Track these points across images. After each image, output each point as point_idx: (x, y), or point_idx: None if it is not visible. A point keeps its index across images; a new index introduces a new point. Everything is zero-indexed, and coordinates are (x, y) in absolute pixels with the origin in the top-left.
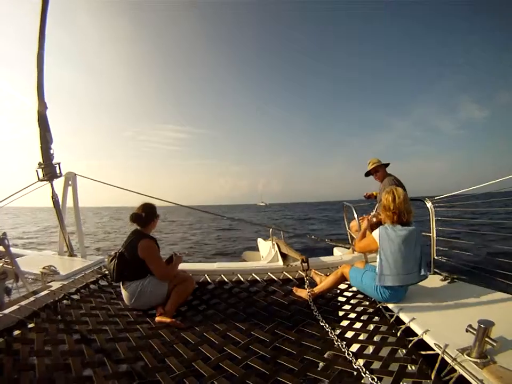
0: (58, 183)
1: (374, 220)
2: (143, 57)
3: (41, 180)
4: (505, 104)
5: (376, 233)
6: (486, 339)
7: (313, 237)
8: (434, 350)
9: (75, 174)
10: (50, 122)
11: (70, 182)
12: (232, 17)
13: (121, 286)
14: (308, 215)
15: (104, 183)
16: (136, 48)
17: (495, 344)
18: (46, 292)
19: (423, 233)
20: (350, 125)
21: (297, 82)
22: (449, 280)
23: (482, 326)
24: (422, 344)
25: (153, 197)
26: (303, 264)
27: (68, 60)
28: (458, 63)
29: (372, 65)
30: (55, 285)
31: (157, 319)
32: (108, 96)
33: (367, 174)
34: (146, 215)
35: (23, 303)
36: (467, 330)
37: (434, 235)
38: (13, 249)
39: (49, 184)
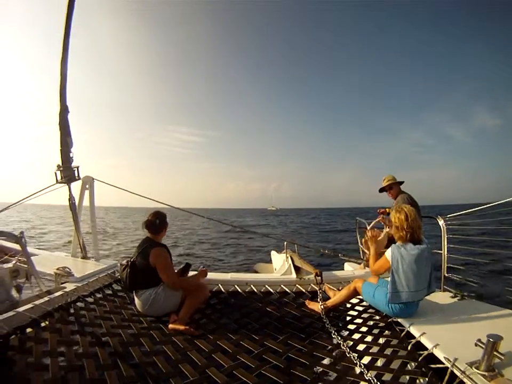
0: (76, 186)
1: (381, 236)
2: (158, 59)
3: (60, 182)
4: None
5: (388, 252)
6: (495, 353)
7: (326, 251)
8: (443, 364)
9: (93, 178)
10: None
11: (87, 186)
12: (242, 16)
13: (134, 294)
14: (321, 223)
15: (122, 189)
16: (149, 49)
17: (503, 358)
18: (60, 292)
19: (434, 251)
20: (361, 131)
21: (310, 87)
22: (459, 297)
23: (491, 340)
24: (432, 358)
25: (163, 203)
26: (317, 277)
27: (82, 60)
28: (471, 72)
29: (385, 72)
30: (69, 287)
31: (170, 326)
32: (121, 98)
33: (381, 190)
34: (160, 222)
35: (37, 302)
36: (476, 345)
37: (446, 252)
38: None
39: (67, 186)
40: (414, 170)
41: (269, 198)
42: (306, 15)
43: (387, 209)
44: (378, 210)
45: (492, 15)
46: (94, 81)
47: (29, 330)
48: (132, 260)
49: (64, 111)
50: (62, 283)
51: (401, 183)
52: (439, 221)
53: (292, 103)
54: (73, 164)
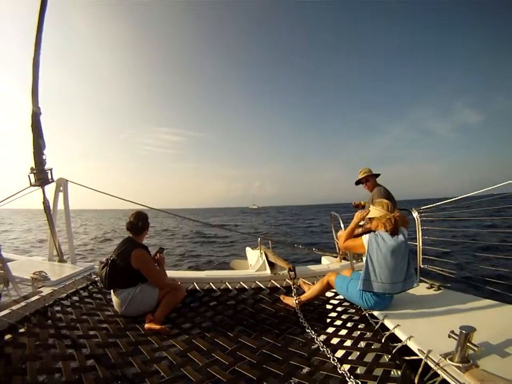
0: (50, 188)
1: (360, 230)
2: (140, 59)
3: (33, 185)
4: (500, 108)
5: (366, 238)
6: (468, 344)
7: (300, 246)
8: (417, 356)
9: (67, 180)
10: (44, 123)
11: (61, 188)
12: (228, 16)
13: (112, 293)
14: (300, 219)
15: (95, 190)
16: (132, 50)
17: (476, 349)
18: (36, 297)
19: (410, 243)
20: (347, 127)
21: (295, 83)
22: (434, 288)
23: (463, 331)
24: (406, 350)
25: (140, 204)
26: (290, 272)
27: (62, 60)
28: (456, 66)
29: (372, 66)
30: (46, 291)
31: (147, 325)
32: (102, 98)
33: (357, 182)
34: (142, 224)
35: (14, 307)
36: (449, 336)
37: (421, 244)
38: (3, 254)
39: (41, 189)
40: (397, 164)
41: (251, 196)
42: (292, 13)
43: (362, 202)
44: (353, 203)
45: (480, 8)
46: (76, 83)
47: (7, 336)
48: (111, 258)
49: (36, 112)
50: (39, 287)
51: (377, 175)
52: (413, 213)
53: (278, 103)
54: (47, 166)
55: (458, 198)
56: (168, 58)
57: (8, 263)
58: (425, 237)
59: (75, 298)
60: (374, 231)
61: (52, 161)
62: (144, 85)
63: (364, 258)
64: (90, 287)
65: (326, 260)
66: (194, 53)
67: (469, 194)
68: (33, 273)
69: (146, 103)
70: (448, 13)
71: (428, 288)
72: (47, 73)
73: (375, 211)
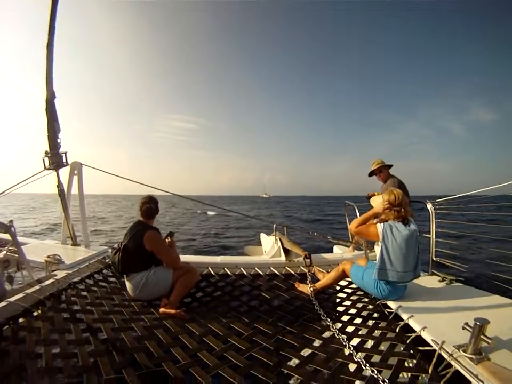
0: (65, 172)
1: (375, 221)
2: (159, 47)
3: (48, 169)
4: None
5: (380, 227)
6: (482, 336)
7: (315, 234)
8: (431, 346)
9: (81, 164)
10: (62, 111)
11: (75, 172)
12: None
13: (126, 278)
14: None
15: (109, 173)
16: (148, 37)
17: (489, 342)
18: (50, 280)
19: (424, 235)
20: (360, 125)
21: (310, 81)
22: (447, 281)
23: (478, 323)
24: (420, 340)
25: (156, 188)
26: (306, 260)
27: (78, 51)
28: (469, 67)
29: (385, 67)
30: (60, 274)
31: (161, 310)
32: (117, 87)
33: (371, 174)
34: (155, 207)
35: (28, 291)
36: (463, 328)
37: (434, 236)
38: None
39: (55, 172)
40: (411, 160)
41: (262, 186)
42: (306, 13)
43: (376, 193)
44: (368, 194)
45: (491, 11)
46: (94, 73)
47: (21, 320)
48: (123, 243)
49: (51, 97)
50: (53, 271)
51: (390, 166)
52: (427, 205)
53: (292, 97)
54: (61, 150)
55: (475, 191)
56: (184, 50)
57: (21, 247)
58: (439, 230)
59: (89, 282)
60: (387, 221)
61: (69, 145)
62: (160, 76)
63: (377, 248)
64: (105, 270)
65: (338, 249)
66: (213, 47)
67: (486, 189)
68: (47, 257)
69: (162, 92)
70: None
71: (439, 281)
72: (64, 63)
73: (376, 200)
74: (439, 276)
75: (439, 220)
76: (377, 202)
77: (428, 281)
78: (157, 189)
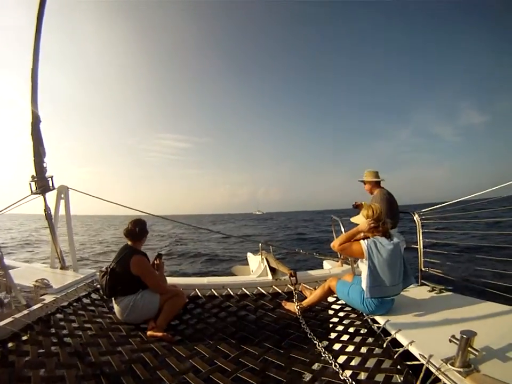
0: (51, 195)
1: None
2: (145, 65)
3: (34, 193)
4: (504, 109)
5: (364, 244)
6: (469, 349)
7: (301, 251)
8: (419, 360)
9: (68, 188)
10: (52, 127)
11: (62, 195)
12: (233, 19)
13: (114, 301)
14: (302, 224)
15: (95, 197)
16: (136, 55)
17: (477, 354)
18: (39, 305)
19: (412, 246)
20: (353, 133)
21: (299, 88)
22: (436, 291)
23: (464, 336)
24: (408, 355)
25: (139, 210)
26: (291, 278)
27: (67, 66)
28: (457, 68)
29: (373, 68)
30: (48, 298)
31: (149, 333)
32: (108, 104)
33: (361, 181)
34: (139, 230)
35: (17, 315)
36: (450, 341)
37: (421, 247)
38: (5, 261)
39: (42, 197)
40: (403, 168)
41: (256, 202)
42: (306, 18)
43: (363, 203)
44: (354, 203)
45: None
46: (80, 87)
47: (10, 344)
48: (110, 266)
49: (36, 120)
50: (41, 295)
51: (378, 182)
52: (413, 216)
53: (283, 107)
54: (47, 174)
55: (459, 199)
56: (172, 63)
57: (10, 271)
58: (426, 240)
59: (77, 305)
60: (368, 237)
61: (62, 165)
62: (149, 91)
63: (361, 264)
64: (93, 294)
65: (327, 264)
66: (195, 56)
67: (470, 196)
68: (36, 281)
69: (150, 110)
70: (449, 15)
71: (429, 291)
72: (53, 78)
73: (357, 220)
74: (428, 286)
75: (426, 230)
76: (359, 222)
77: (417, 292)
78: (136, 210)
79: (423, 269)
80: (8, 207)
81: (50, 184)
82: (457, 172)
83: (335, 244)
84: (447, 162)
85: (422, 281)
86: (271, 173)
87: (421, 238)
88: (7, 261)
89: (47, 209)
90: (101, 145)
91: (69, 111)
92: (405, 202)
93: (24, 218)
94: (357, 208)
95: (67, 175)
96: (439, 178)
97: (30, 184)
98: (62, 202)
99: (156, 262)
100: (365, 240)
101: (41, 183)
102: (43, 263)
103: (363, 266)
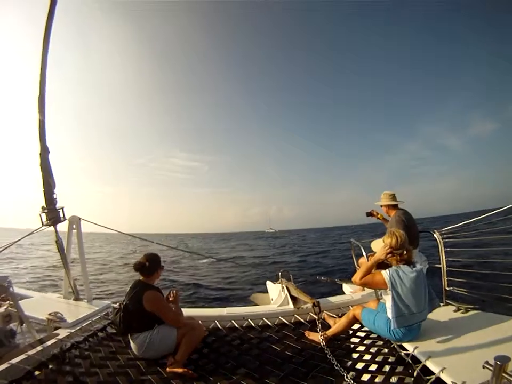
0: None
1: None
2: (158, 84)
3: (45, 225)
4: None
5: (387, 274)
6: (503, 374)
7: (322, 278)
8: None
9: (79, 218)
10: (68, 144)
11: (74, 226)
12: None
13: (130, 337)
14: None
15: (106, 227)
16: (149, 75)
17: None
18: (53, 340)
19: (435, 265)
20: (361, 148)
21: (307, 105)
22: (462, 311)
23: (498, 362)
24: (440, 382)
25: (142, 238)
26: (315, 307)
27: (82, 85)
28: (466, 79)
29: (385, 84)
30: (62, 333)
31: (168, 369)
32: (122, 124)
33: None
34: (150, 264)
35: (30, 352)
36: (484, 367)
37: (445, 266)
38: (17, 289)
39: (53, 228)
40: (414, 184)
41: (267, 220)
42: (318, 38)
43: (376, 212)
44: (371, 211)
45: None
46: (94, 105)
47: (24, 383)
48: (124, 303)
49: (44, 151)
50: (55, 328)
51: (396, 205)
52: (434, 235)
53: (292, 124)
54: (58, 205)
55: (482, 217)
56: (186, 83)
57: (22, 301)
58: (449, 258)
59: (93, 340)
60: (391, 265)
61: (79, 183)
62: (161, 110)
63: (385, 294)
64: (108, 328)
65: (347, 287)
66: (212, 78)
67: (493, 213)
68: (49, 314)
69: (162, 129)
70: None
71: (454, 311)
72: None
73: (377, 245)
74: (454, 305)
75: (448, 249)
76: (379, 248)
77: (443, 313)
78: (141, 238)
79: (447, 288)
80: (20, 239)
81: (61, 216)
82: (470, 182)
83: (356, 279)
84: (459, 173)
85: (447, 301)
86: (281, 192)
87: (443, 256)
88: (20, 290)
89: (58, 240)
90: (114, 166)
91: (89, 130)
92: (421, 215)
93: (18, 232)
94: (369, 216)
95: (85, 192)
96: (451, 189)
97: (40, 215)
98: (74, 233)
99: (170, 296)
100: (387, 270)
101: (52, 215)
102: (55, 291)
103: (387, 297)
